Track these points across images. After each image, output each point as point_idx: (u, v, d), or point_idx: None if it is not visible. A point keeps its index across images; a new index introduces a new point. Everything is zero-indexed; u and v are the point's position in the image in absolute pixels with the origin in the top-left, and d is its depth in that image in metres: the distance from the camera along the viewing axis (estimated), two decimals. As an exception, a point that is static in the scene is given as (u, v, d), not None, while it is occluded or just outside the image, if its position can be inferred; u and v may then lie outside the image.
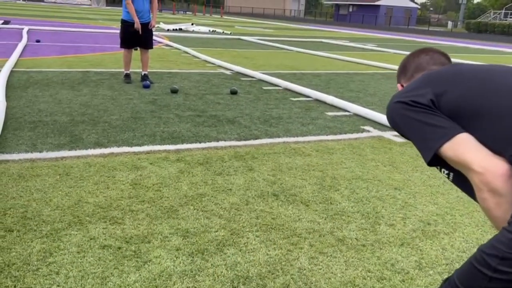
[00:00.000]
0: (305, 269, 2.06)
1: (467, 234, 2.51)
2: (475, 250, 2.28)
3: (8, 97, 4.93)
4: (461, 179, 1.05)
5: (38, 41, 10.76)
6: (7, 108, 4.42)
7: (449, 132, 1.03)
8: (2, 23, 15.27)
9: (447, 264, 2.19)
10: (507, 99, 1.02)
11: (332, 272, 2.06)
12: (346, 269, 2.08)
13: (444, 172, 1.13)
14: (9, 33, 12.40)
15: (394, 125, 1.18)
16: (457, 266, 2.17)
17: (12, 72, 6.50)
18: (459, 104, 1.06)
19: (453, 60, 1.36)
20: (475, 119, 1.03)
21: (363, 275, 2.05)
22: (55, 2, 52.46)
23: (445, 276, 2.08)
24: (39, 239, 2.15)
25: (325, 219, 2.57)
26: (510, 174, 0.96)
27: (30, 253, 2.03)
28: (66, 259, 2.01)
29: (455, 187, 1.19)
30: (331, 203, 2.79)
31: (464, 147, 1.01)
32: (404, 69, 1.37)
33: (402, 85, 1.35)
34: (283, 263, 2.11)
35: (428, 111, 1.08)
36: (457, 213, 2.76)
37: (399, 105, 1.15)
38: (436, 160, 1.07)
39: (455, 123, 1.05)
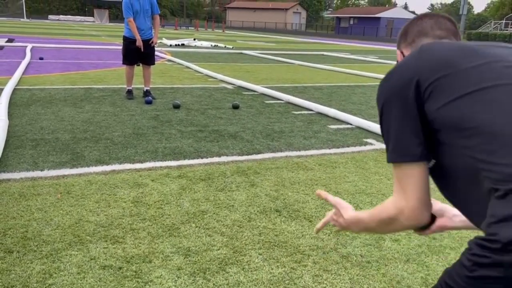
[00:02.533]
0: (309, 288, 2.02)
1: (474, 248, 2.46)
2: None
3: (10, 115, 4.95)
4: (438, 174, 1.00)
5: (41, 58, 10.84)
6: (9, 126, 4.42)
7: (414, 157, 0.98)
8: (6, 41, 15.43)
9: (454, 281, 2.14)
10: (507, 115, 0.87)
11: (336, 291, 2.01)
12: (351, 287, 2.04)
13: None
14: (14, 51, 12.51)
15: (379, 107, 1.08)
16: (465, 282, 2.13)
17: (15, 90, 6.53)
18: (459, 116, 0.91)
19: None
20: (469, 135, 0.89)
21: (368, 293, 2.01)
22: (59, 20, 53.03)
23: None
24: (39, 260, 2.13)
25: (329, 235, 2.53)
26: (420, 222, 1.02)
27: (30, 275, 2.01)
28: (66, 281, 1.98)
29: None
30: (334, 218, 2.75)
31: (410, 179, 0.99)
32: (405, 34, 1.23)
33: (401, 52, 1.22)
34: (286, 281, 2.07)
35: (409, 115, 0.97)
36: (463, 227, 2.71)
37: (387, 89, 1.04)
38: None
39: (424, 146, 0.97)
